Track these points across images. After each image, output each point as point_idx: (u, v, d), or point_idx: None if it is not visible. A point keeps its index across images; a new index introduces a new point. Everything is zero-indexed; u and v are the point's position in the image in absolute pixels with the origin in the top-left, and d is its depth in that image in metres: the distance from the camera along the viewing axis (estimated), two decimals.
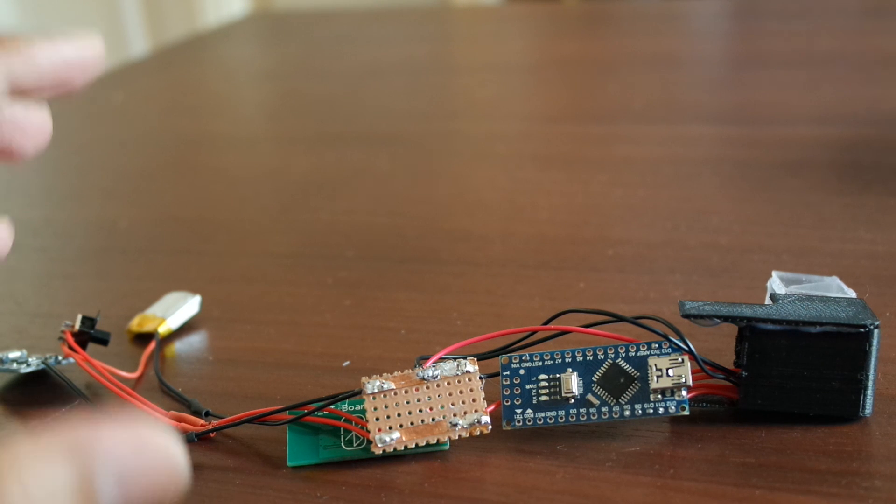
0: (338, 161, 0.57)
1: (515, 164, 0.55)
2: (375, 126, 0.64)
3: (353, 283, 0.40)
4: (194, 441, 0.29)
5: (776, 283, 0.31)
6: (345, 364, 0.33)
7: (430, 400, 0.28)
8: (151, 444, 0.17)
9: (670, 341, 0.28)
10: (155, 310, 0.37)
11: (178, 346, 0.36)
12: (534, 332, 0.30)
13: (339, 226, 0.46)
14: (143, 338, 0.36)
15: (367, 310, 0.38)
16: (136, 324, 0.37)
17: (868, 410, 0.28)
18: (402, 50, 0.89)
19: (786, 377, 0.28)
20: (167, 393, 0.33)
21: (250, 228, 0.48)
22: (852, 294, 0.30)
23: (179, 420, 0.30)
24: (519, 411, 0.28)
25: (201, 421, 0.30)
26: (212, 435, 0.30)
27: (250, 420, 0.29)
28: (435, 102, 0.71)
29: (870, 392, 0.27)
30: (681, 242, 0.41)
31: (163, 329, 0.36)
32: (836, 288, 0.30)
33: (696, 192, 0.47)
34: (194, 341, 0.36)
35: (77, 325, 0.34)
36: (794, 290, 0.30)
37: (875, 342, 0.27)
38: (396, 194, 0.51)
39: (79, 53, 0.25)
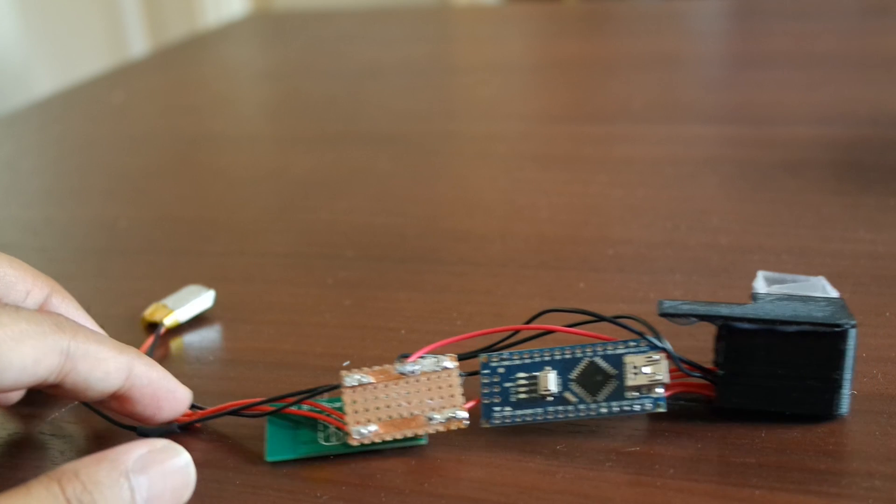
0: (338, 161, 0.57)
1: (515, 164, 0.55)
2: (375, 126, 0.64)
3: (353, 283, 0.40)
4: (177, 432, 0.30)
5: (760, 283, 0.31)
6: (345, 364, 0.33)
7: (409, 395, 0.28)
8: (170, 462, 0.25)
9: (647, 340, 0.28)
10: (168, 300, 0.38)
11: (179, 345, 0.36)
12: (517, 332, 0.30)
13: (339, 226, 0.46)
14: (156, 327, 0.37)
15: (367, 310, 0.38)
16: (149, 313, 0.37)
17: (844, 410, 0.28)
18: (402, 50, 0.89)
19: (762, 376, 0.28)
20: None
21: (250, 228, 0.48)
22: (835, 294, 0.30)
23: None
24: (497, 409, 0.28)
25: (189, 410, 0.31)
26: (197, 426, 0.30)
27: (232, 412, 0.29)
28: (435, 102, 0.71)
29: (845, 391, 0.28)
30: (681, 242, 0.41)
31: (169, 320, 0.36)
32: (821, 288, 0.30)
33: (696, 192, 0.47)
34: (194, 341, 0.36)
35: None
36: (776, 289, 0.31)
37: (852, 342, 0.27)
38: (396, 194, 0.51)
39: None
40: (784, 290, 0.30)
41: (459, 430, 0.28)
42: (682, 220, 0.43)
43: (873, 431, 0.27)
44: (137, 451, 0.24)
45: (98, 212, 0.52)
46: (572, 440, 0.28)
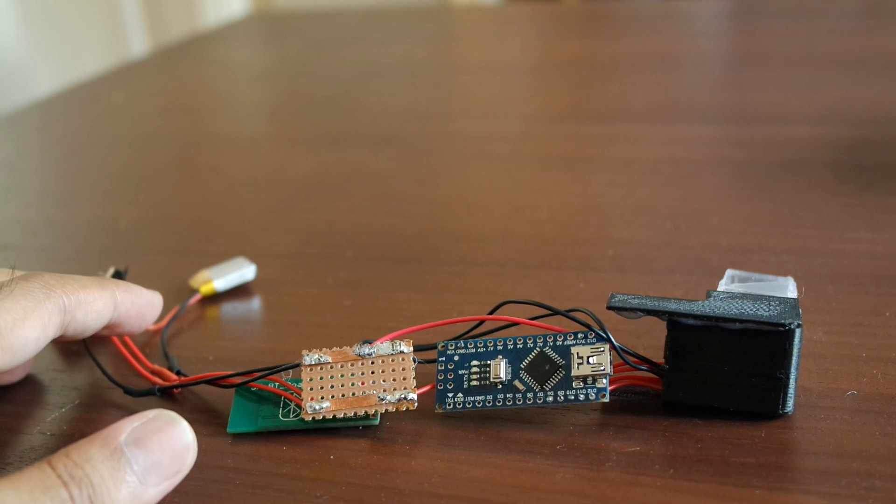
0: (338, 161, 0.57)
1: (515, 164, 0.55)
2: (375, 126, 0.64)
3: (353, 283, 0.40)
4: (156, 394, 0.32)
5: (725, 281, 0.32)
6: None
7: (364, 375, 0.29)
8: (167, 430, 0.25)
9: (594, 332, 0.29)
10: (213, 270, 0.40)
11: (179, 344, 0.36)
12: (482, 322, 0.32)
13: (339, 226, 0.46)
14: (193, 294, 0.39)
15: (367, 310, 0.38)
16: (193, 279, 0.40)
17: (789, 408, 0.28)
18: (402, 50, 0.89)
19: (706, 372, 0.28)
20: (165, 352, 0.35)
21: (250, 228, 0.48)
22: (794, 295, 0.30)
23: (157, 374, 0.33)
24: (450, 395, 0.29)
25: (175, 377, 0.32)
26: (176, 391, 0.32)
27: (208, 381, 0.32)
28: (435, 102, 0.71)
29: (791, 390, 0.28)
30: (681, 242, 0.41)
31: (205, 289, 0.39)
32: (784, 288, 0.30)
33: (696, 192, 0.47)
34: (194, 342, 0.36)
35: (108, 277, 0.37)
36: (734, 287, 0.31)
37: (797, 342, 0.27)
38: (396, 194, 0.51)
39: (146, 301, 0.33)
40: (742, 288, 0.30)
41: (460, 430, 0.29)
42: (682, 220, 0.43)
43: (873, 431, 0.27)
44: (129, 424, 0.25)
45: (98, 212, 0.52)
46: (572, 440, 0.28)
